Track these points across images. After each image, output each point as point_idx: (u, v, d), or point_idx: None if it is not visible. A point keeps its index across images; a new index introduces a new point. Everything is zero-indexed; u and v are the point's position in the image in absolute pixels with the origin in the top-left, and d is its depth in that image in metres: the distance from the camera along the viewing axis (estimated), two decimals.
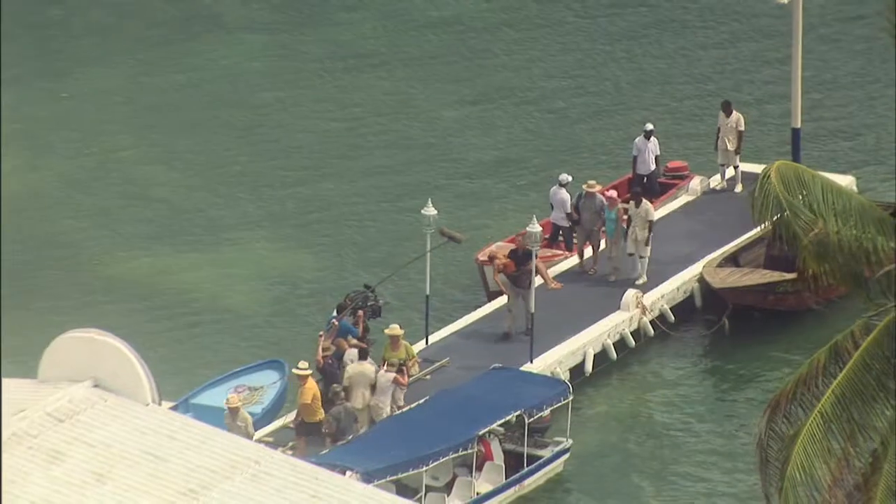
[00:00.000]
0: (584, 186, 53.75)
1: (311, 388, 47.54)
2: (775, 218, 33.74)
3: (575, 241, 54.79)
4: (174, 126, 66.76)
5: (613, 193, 53.94)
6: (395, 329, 49.06)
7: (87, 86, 70.38)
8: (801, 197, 32.98)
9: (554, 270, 55.43)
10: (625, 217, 53.69)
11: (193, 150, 65.19)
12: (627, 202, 55.86)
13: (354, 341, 48.85)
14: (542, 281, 53.20)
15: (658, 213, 57.05)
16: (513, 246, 54.77)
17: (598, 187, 54.67)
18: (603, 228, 54.26)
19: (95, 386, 41.23)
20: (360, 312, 49.81)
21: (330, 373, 48.18)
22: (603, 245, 54.79)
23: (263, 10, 75.45)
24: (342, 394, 48.17)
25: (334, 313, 49.94)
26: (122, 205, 61.71)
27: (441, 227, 52.14)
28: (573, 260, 55.79)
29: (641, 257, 53.66)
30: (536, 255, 53.08)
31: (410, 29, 73.36)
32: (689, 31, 69.81)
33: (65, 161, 65.59)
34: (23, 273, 56.51)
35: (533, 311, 51.24)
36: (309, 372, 47.64)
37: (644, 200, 54.64)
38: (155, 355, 43.11)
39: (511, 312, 52.25)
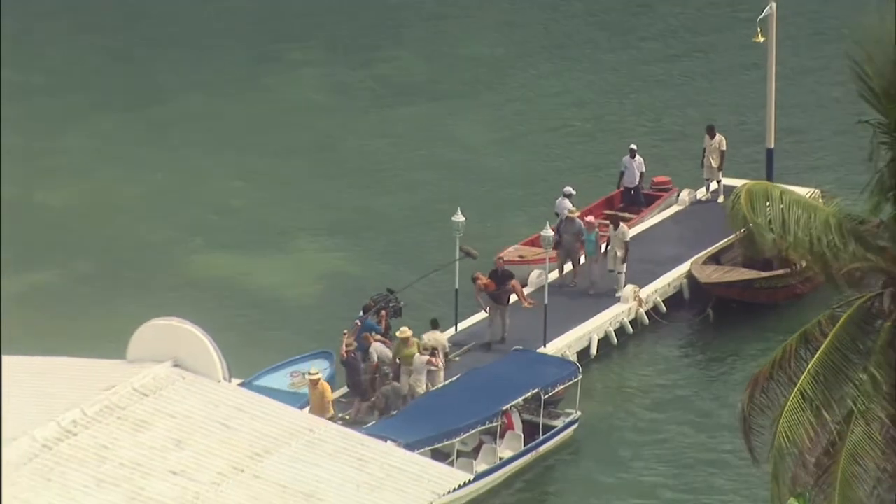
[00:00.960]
0: (565, 212, 53.18)
1: (324, 389, 47.29)
2: (741, 232, 34.17)
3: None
4: (249, 147, 65.92)
5: (591, 218, 53.38)
6: (405, 332, 48.48)
7: (177, 112, 69.44)
8: (767, 210, 32.56)
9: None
10: (603, 237, 53.15)
11: (264, 168, 64.40)
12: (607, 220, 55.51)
13: (378, 337, 48.40)
14: (516, 298, 52.07)
15: (652, 221, 57.28)
16: (528, 248, 54.86)
17: (577, 213, 53.73)
18: (584, 248, 53.47)
19: (175, 366, 41.89)
20: (383, 312, 49.26)
21: (352, 365, 47.91)
22: (583, 260, 53.95)
23: (321, 50, 74.73)
24: (391, 375, 48.14)
25: (361, 313, 49.40)
26: (204, 214, 61.10)
27: (461, 245, 51.51)
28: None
29: (619, 273, 53.01)
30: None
31: (443, 65, 72.42)
32: (680, 62, 69.30)
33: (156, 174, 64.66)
34: (120, 270, 56.16)
35: (508, 322, 51.21)
36: (320, 376, 47.25)
37: (621, 223, 53.99)
38: (226, 342, 42.99)
39: (491, 327, 51.50)
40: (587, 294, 54.25)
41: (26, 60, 71.45)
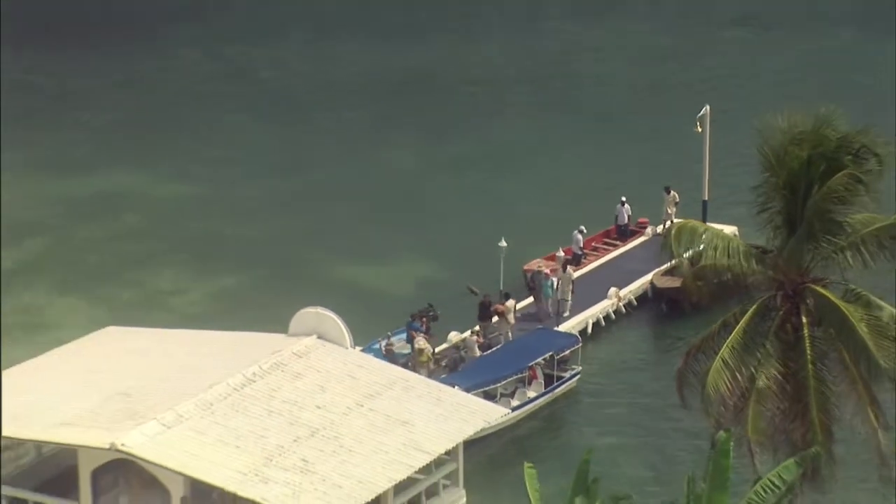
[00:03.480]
0: (536, 268, 52.14)
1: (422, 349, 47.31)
2: (671, 261, 34.57)
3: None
4: (370, 196, 63.41)
5: (548, 271, 51.61)
6: (420, 342, 47.45)
7: (295, 136, 67.84)
8: (692, 242, 32.02)
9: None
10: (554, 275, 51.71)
11: (372, 208, 61.91)
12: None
13: (421, 335, 47.63)
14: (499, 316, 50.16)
15: (627, 247, 56.27)
16: (546, 261, 53.62)
17: (546, 268, 52.08)
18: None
19: (319, 338, 42.79)
20: (425, 319, 48.34)
21: (391, 358, 46.74)
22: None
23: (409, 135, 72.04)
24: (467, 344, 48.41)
25: (409, 318, 48.44)
26: (334, 239, 58.98)
27: (468, 285, 50.27)
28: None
29: (566, 300, 51.26)
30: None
31: (496, 146, 69.44)
32: (647, 143, 66.68)
33: (280, 185, 63.32)
34: (280, 275, 55.01)
35: (512, 323, 49.76)
36: (422, 344, 47.18)
37: (569, 268, 51.98)
38: (350, 322, 43.15)
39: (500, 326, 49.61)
40: (602, 286, 52.76)
41: (229, 143, 69.63)
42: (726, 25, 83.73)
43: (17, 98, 72.93)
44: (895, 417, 31.47)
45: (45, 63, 78.50)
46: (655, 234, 55.84)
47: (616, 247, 56.36)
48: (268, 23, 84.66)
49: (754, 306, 31.41)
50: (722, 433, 27.88)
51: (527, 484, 29.09)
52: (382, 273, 55.81)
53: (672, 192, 56.73)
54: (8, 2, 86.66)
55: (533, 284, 51.57)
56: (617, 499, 29.34)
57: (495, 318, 50.02)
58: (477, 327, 49.76)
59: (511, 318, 50.25)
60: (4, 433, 40.24)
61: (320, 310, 43.22)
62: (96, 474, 38.66)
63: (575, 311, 51.45)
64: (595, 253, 55.91)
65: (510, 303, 50.23)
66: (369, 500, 38.20)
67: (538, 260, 54.19)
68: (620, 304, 52.69)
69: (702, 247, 31.91)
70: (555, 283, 51.30)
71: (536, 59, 79.13)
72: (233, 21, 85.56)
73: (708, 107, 55.51)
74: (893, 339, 30.25)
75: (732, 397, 30.79)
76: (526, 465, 29.21)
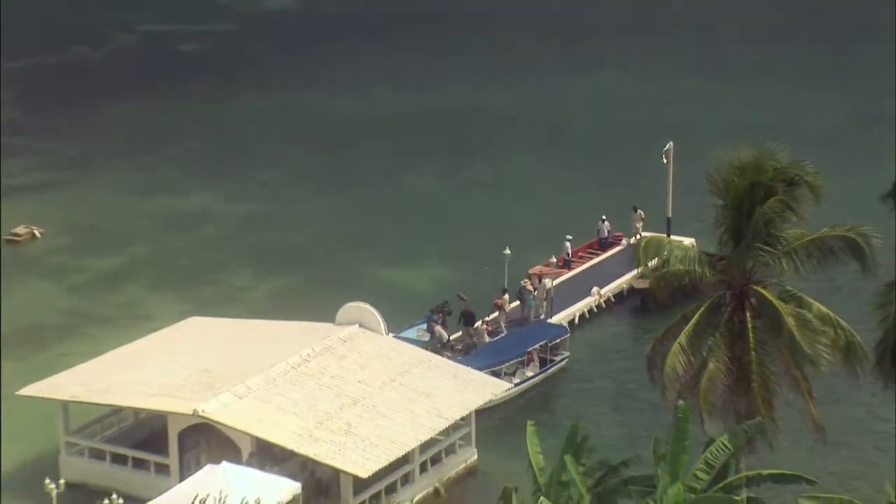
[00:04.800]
0: (521, 283, 50.66)
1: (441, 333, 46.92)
2: (637, 269, 34.46)
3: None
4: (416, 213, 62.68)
5: (530, 286, 50.13)
6: (439, 331, 46.88)
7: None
8: (658, 252, 32.05)
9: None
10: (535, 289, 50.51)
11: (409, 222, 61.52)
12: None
13: (438, 325, 47.22)
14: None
15: (606, 255, 55.60)
16: (544, 267, 53.11)
17: (528, 283, 50.48)
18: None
19: (360, 326, 43.02)
20: (441, 313, 47.74)
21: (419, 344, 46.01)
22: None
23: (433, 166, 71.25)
24: (471, 333, 47.89)
25: (429, 312, 47.86)
26: (372, 245, 58.60)
27: (459, 292, 49.25)
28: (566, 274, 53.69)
29: (541, 306, 50.02)
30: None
31: (506, 168, 68.64)
32: (634, 164, 65.94)
33: (327, 203, 62.16)
34: (329, 278, 54.54)
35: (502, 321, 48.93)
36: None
37: (545, 279, 50.71)
38: (385, 314, 43.52)
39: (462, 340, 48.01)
40: (585, 286, 52.30)
41: (285, 169, 69.17)
42: (688, 76, 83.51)
43: (119, 132, 73.59)
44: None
45: (144, 105, 78.69)
46: (628, 245, 55.59)
47: (597, 255, 56.15)
48: (318, 71, 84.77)
49: (707, 303, 31.50)
50: (682, 402, 27.89)
51: (528, 439, 29.18)
52: (409, 274, 55.50)
53: (639, 211, 56.23)
54: (119, 57, 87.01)
55: (520, 296, 50.52)
56: (593, 450, 29.43)
57: (495, 313, 49.29)
58: (488, 318, 48.97)
59: (507, 309, 49.77)
60: (111, 402, 40.67)
61: (361, 304, 43.70)
62: (182, 435, 39.04)
63: (564, 307, 50.86)
64: (580, 260, 55.64)
65: (506, 297, 49.91)
66: (399, 456, 38.59)
67: (539, 266, 53.74)
68: (601, 300, 52.43)
69: (665, 255, 31.88)
70: (535, 295, 50.40)
71: (534, 104, 78.74)
72: (290, 69, 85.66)
73: (672, 143, 55.46)
74: (813, 330, 30.36)
75: (686, 375, 30.71)
76: (528, 423, 29.31)
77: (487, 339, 48.17)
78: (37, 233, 59.37)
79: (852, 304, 37.39)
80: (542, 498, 27.86)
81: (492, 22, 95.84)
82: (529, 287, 50.28)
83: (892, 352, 30.56)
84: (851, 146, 68.05)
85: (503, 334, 48.65)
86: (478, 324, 48.63)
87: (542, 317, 50.01)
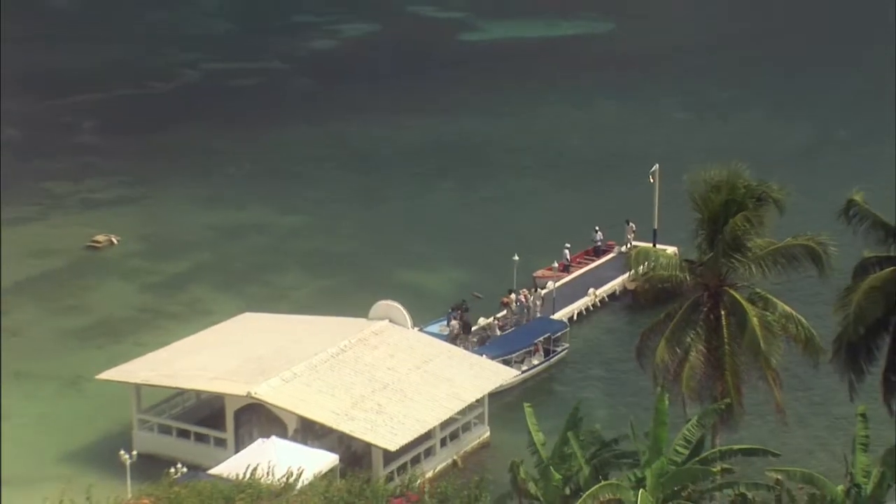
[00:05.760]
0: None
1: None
2: (630, 274, 34.32)
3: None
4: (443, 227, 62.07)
5: (523, 299, 49.06)
6: (455, 326, 46.36)
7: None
8: (647, 259, 32.14)
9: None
10: (531, 296, 49.53)
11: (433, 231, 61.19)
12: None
13: (456, 320, 46.89)
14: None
15: (600, 261, 55.06)
16: (547, 271, 52.96)
17: (524, 292, 49.45)
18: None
19: (389, 321, 42.93)
20: (460, 310, 47.54)
21: (445, 337, 45.76)
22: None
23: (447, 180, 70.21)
24: (490, 326, 47.67)
25: (450, 309, 47.68)
26: (390, 246, 58.35)
27: (473, 292, 49.13)
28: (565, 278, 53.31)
29: (536, 307, 49.05)
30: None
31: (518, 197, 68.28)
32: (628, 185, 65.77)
33: (362, 216, 61.10)
34: (361, 279, 53.98)
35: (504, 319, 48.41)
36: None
37: (537, 290, 49.84)
38: (410, 309, 43.49)
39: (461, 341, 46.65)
40: (583, 290, 51.74)
41: (327, 188, 68.83)
42: (673, 108, 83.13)
43: (185, 155, 73.43)
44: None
45: (206, 132, 78.46)
46: (620, 252, 55.37)
47: (593, 261, 55.91)
48: (355, 103, 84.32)
49: (688, 302, 31.51)
50: (659, 388, 28.29)
51: (527, 419, 29.23)
52: (431, 277, 55.29)
53: (631, 224, 56.11)
54: (186, 91, 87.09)
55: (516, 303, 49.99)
56: (591, 431, 29.55)
57: (504, 311, 48.94)
58: (497, 316, 48.74)
59: (531, 300, 49.43)
60: (177, 385, 40.73)
61: (390, 302, 43.70)
62: (237, 413, 39.11)
63: (564, 306, 50.76)
64: (578, 265, 55.37)
65: (513, 296, 49.63)
66: (423, 432, 38.59)
67: (542, 270, 53.51)
68: (596, 300, 52.22)
69: (652, 262, 31.94)
70: (528, 301, 49.32)
71: (538, 132, 78.28)
72: (331, 102, 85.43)
73: (657, 165, 55.15)
74: (772, 330, 30.40)
75: (672, 364, 30.72)
76: (525, 405, 29.61)
77: (499, 332, 47.97)
78: (114, 240, 59.37)
79: (813, 304, 37.20)
80: (551, 468, 27.93)
81: (501, 62, 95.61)
82: (522, 298, 49.48)
83: (847, 347, 30.43)
84: (811, 167, 67.72)
85: (512, 329, 48.46)
86: (489, 320, 48.40)
87: (537, 307, 49.37)
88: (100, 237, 59.38)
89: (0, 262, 53.82)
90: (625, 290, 52.55)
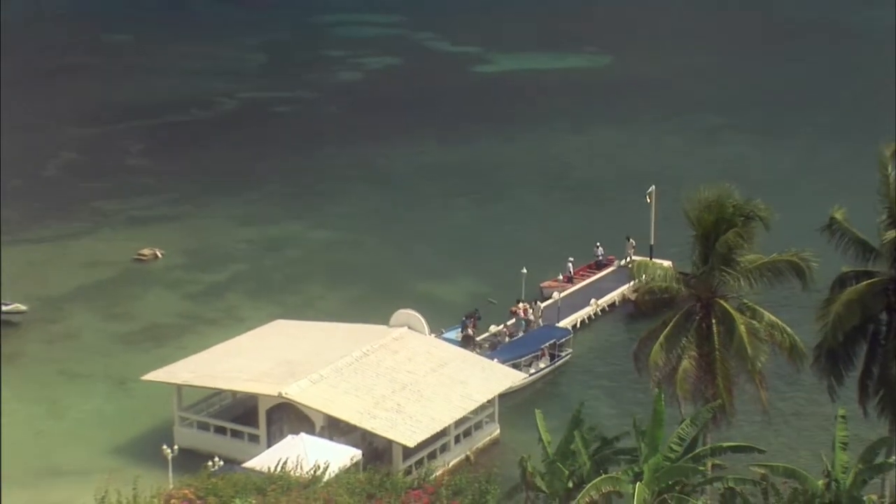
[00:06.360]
0: (512, 309, 49.35)
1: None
2: (632, 283, 34.17)
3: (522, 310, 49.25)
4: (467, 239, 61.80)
5: (521, 313, 48.79)
6: (469, 332, 46.29)
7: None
8: (646, 272, 32.00)
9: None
10: (531, 310, 49.26)
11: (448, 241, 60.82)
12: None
13: (469, 328, 46.90)
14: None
15: (601, 274, 54.73)
16: (553, 282, 52.96)
17: (523, 305, 49.23)
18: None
19: (409, 328, 42.77)
20: (473, 318, 47.47)
21: (461, 343, 45.72)
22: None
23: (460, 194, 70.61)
24: (501, 333, 47.65)
25: (464, 317, 47.65)
26: (409, 259, 58.16)
27: (488, 298, 49.01)
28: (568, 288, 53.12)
29: (537, 320, 48.83)
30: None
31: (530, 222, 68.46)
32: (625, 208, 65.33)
33: (384, 231, 60.62)
34: (384, 290, 53.73)
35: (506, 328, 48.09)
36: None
37: (537, 303, 49.52)
38: (427, 317, 43.61)
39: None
40: (585, 300, 51.38)
41: (354, 205, 68.67)
42: (669, 134, 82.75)
43: (225, 176, 73.43)
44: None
45: (244, 155, 78.61)
46: (619, 266, 55.14)
47: (594, 273, 55.70)
48: (379, 129, 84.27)
49: (682, 311, 31.32)
50: (657, 390, 28.12)
51: (538, 422, 29.17)
52: (447, 288, 55.07)
53: (631, 240, 55.82)
54: (225, 118, 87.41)
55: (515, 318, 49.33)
56: (591, 429, 29.48)
57: (512, 320, 48.68)
58: (505, 324, 48.53)
59: (530, 312, 49.14)
60: (214, 385, 40.70)
61: (409, 311, 43.58)
62: (269, 412, 39.05)
63: (568, 314, 50.60)
64: (581, 277, 55.16)
65: (521, 305, 49.48)
66: (438, 430, 38.44)
67: (548, 281, 53.33)
68: (598, 309, 52.12)
69: (650, 274, 31.87)
70: (529, 314, 48.99)
71: (545, 155, 78.10)
72: (358, 128, 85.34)
73: (654, 186, 55.01)
74: (758, 337, 30.22)
75: (666, 368, 30.53)
76: (536, 410, 29.57)
77: (507, 339, 47.91)
78: (159, 254, 59.48)
79: (798, 314, 36.88)
80: (557, 463, 27.96)
81: (511, 92, 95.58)
82: (521, 312, 49.14)
83: (827, 353, 30.36)
84: (795, 188, 67.44)
85: (520, 336, 48.30)
86: (500, 327, 48.28)
87: (538, 320, 49.01)
88: (146, 251, 59.53)
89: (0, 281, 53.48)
90: (623, 300, 52.29)
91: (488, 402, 41.17)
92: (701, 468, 27.23)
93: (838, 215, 30.53)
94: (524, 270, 50.56)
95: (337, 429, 37.93)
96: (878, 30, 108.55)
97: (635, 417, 27.82)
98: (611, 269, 55.94)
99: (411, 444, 36.89)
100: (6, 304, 50.45)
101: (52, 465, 38.91)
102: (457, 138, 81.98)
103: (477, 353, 44.86)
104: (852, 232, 30.47)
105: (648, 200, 54.39)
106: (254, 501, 23.46)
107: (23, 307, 50.58)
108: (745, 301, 31.11)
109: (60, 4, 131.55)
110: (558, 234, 61.65)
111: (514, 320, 48.94)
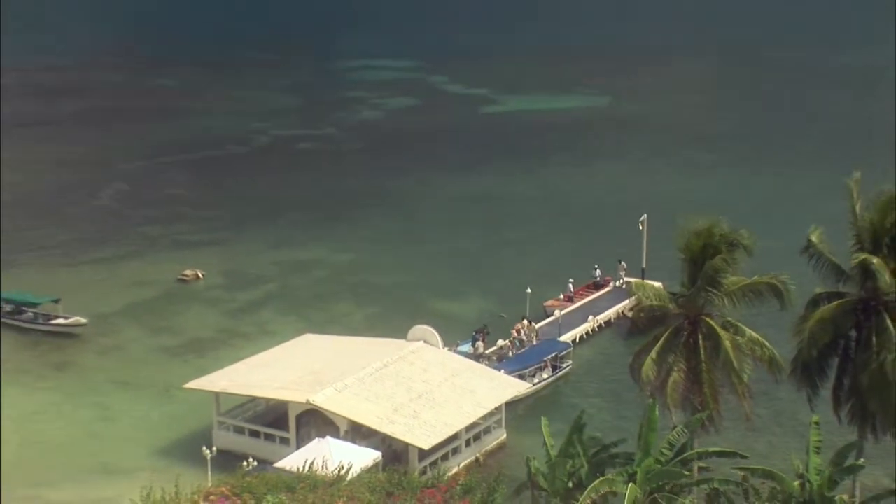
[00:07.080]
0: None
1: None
2: (631, 301, 33.90)
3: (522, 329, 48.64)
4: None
5: (515, 333, 47.96)
6: (479, 346, 46.18)
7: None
8: (640, 290, 32.06)
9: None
10: (523, 329, 48.50)
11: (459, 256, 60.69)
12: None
13: (479, 342, 46.64)
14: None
15: (598, 294, 54.31)
16: (556, 301, 52.57)
17: (519, 326, 48.35)
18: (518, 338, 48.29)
19: (424, 342, 42.64)
20: (482, 333, 47.30)
21: (472, 356, 45.19)
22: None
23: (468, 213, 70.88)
24: (506, 347, 47.35)
25: (474, 332, 47.53)
26: (424, 279, 57.52)
27: (499, 313, 48.66)
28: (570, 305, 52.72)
29: (531, 339, 48.22)
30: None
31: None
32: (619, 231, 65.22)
33: (400, 253, 60.35)
34: (404, 308, 53.12)
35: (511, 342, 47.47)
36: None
37: (532, 323, 48.62)
38: (441, 332, 43.70)
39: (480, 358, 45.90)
40: (583, 317, 50.74)
41: (373, 230, 68.21)
42: (660, 167, 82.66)
43: (259, 205, 73.60)
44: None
45: (275, 185, 78.85)
46: (615, 287, 54.95)
47: (593, 293, 55.47)
48: (396, 163, 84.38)
49: (672, 328, 31.21)
50: (651, 400, 28.16)
51: (543, 429, 29.10)
52: (459, 306, 54.89)
53: (622, 262, 55.74)
54: (258, 152, 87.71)
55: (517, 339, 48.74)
56: (592, 438, 29.41)
57: (513, 335, 48.25)
58: (512, 339, 48.27)
59: (523, 332, 48.67)
60: (249, 393, 40.70)
61: (424, 326, 43.55)
62: (298, 417, 38.98)
63: (568, 330, 50.35)
64: (580, 296, 54.97)
65: (525, 322, 49.25)
66: (450, 434, 38.32)
67: (551, 300, 53.09)
68: (595, 325, 51.86)
69: (642, 294, 31.84)
70: (522, 334, 48.34)
71: (548, 185, 78.16)
72: (376, 162, 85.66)
73: (646, 214, 54.98)
74: (742, 351, 30.15)
75: (657, 380, 30.41)
76: (543, 418, 29.45)
77: (513, 353, 47.75)
78: (200, 275, 59.63)
79: (775, 331, 36.78)
80: (558, 464, 27.90)
81: (517, 129, 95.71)
82: (515, 333, 48.62)
83: (802, 366, 30.31)
84: (775, 216, 67.28)
85: (524, 349, 48.14)
86: (506, 342, 48.13)
87: (531, 339, 48.39)
88: (188, 272, 59.72)
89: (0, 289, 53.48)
90: (619, 317, 52.04)
91: (496, 408, 41.07)
92: (687, 472, 27.14)
93: (814, 237, 30.41)
94: (529, 290, 50.59)
95: (359, 433, 37.91)
96: (849, 74, 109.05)
97: (641, 423, 27.63)
98: (607, 289, 55.65)
99: (426, 446, 36.85)
100: (66, 318, 50.72)
101: (102, 464, 39.06)
102: (468, 170, 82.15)
103: (485, 364, 44.83)
104: (826, 256, 30.39)
105: (641, 227, 54.26)
106: (284, 498, 23.55)
107: (83, 320, 51.04)
108: (728, 318, 31.03)
109: (118, 53, 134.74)
110: (560, 257, 61.53)
111: (511, 338, 48.51)
